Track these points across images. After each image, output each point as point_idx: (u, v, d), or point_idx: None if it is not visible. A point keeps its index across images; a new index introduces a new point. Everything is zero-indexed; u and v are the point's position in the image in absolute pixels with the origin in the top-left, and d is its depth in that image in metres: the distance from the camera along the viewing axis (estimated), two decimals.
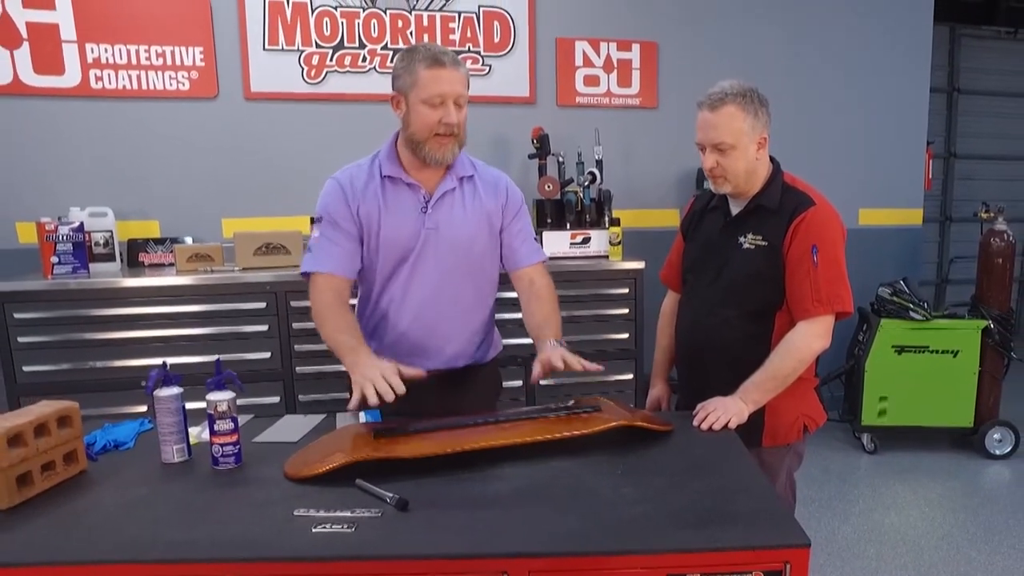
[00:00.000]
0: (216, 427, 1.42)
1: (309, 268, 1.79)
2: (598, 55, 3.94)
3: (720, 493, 1.31)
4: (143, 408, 2.96)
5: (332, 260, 1.77)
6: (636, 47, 3.97)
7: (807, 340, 1.75)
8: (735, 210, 1.88)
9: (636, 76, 3.99)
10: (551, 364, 1.65)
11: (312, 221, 1.85)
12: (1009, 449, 3.75)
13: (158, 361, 2.88)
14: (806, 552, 1.10)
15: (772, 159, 1.86)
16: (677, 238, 2.11)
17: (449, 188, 1.83)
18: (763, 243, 1.79)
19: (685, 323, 1.98)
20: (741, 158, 1.76)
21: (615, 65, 3.97)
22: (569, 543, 1.13)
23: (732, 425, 1.66)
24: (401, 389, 1.50)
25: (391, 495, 1.27)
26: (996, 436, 3.74)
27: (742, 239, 1.82)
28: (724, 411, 1.68)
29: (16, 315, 2.83)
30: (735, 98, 1.74)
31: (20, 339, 2.85)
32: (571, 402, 1.72)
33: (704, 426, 1.66)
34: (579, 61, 3.92)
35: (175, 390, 1.47)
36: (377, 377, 1.50)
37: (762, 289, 1.80)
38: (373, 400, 1.48)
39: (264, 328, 3.03)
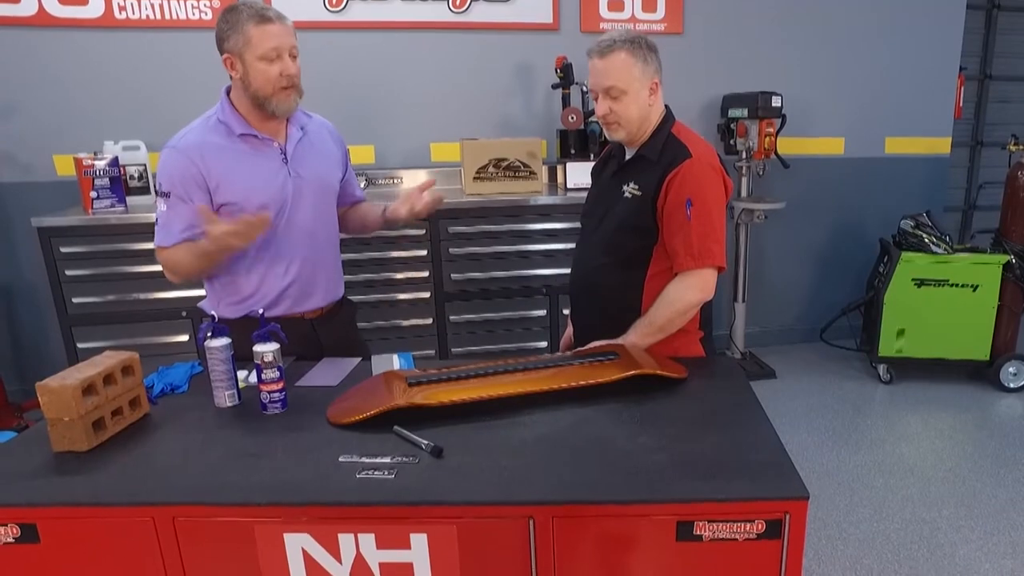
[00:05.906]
0: (264, 376, 1.54)
1: (168, 243, 1.82)
2: None
3: (729, 444, 1.40)
4: (184, 337, 3.13)
5: (186, 231, 1.81)
6: None
7: (682, 292, 1.81)
8: (628, 157, 1.92)
9: (661, 1, 3.88)
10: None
11: (158, 193, 1.83)
12: None
13: (195, 293, 3.07)
14: (804, 504, 1.20)
15: (667, 107, 1.89)
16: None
17: (297, 137, 1.93)
18: (639, 193, 1.84)
19: (573, 268, 2.06)
20: (633, 103, 1.80)
21: None
22: (589, 491, 1.24)
23: None
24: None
25: (426, 443, 1.38)
26: (1011, 370, 3.80)
27: (625, 188, 1.87)
28: None
29: (63, 249, 2.96)
30: (624, 44, 1.77)
31: (67, 272, 3.00)
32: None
33: None
34: None
35: (224, 340, 1.57)
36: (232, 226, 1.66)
37: (633, 238, 1.86)
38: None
39: None
